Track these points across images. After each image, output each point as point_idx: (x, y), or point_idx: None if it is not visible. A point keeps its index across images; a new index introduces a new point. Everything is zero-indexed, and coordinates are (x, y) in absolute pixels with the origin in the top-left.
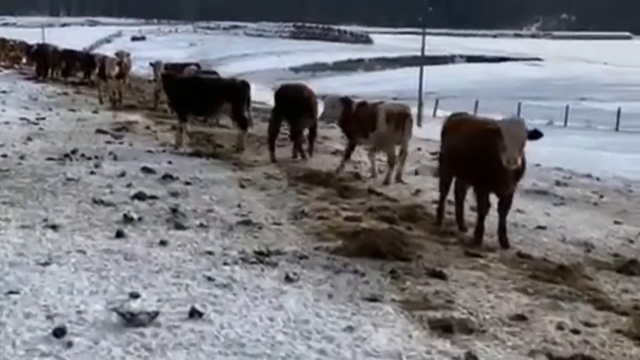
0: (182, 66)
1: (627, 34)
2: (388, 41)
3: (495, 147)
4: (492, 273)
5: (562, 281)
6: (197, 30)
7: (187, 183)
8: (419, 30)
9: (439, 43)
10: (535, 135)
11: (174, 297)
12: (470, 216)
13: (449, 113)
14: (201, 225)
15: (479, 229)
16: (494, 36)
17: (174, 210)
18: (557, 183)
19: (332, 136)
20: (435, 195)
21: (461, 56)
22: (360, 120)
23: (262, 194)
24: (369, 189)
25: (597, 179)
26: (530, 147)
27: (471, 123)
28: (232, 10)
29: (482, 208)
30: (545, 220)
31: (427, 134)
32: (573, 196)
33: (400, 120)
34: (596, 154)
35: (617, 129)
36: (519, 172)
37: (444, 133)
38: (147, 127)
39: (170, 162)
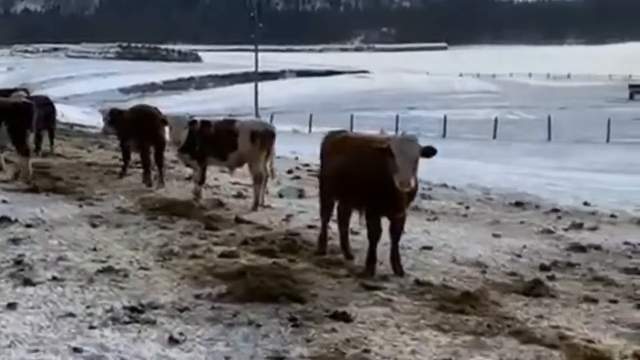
0: (8, 91)
1: (444, 44)
2: (217, 59)
3: (386, 168)
4: (397, 308)
5: (472, 311)
6: (15, 54)
7: (29, 225)
8: (246, 47)
9: (267, 59)
10: (429, 152)
11: None
12: (352, 241)
13: (285, 128)
14: (54, 278)
15: (372, 257)
16: (320, 50)
17: (19, 262)
18: (423, 196)
19: None
20: (307, 219)
21: (291, 71)
22: (214, 140)
23: (119, 233)
24: (236, 217)
25: (454, 188)
26: None
27: (357, 141)
28: (51, 32)
29: (374, 234)
30: (427, 239)
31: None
32: (442, 209)
33: (266, 139)
34: (429, 162)
35: (444, 136)
36: (412, 193)
37: (325, 153)
38: None
39: (4, 201)
